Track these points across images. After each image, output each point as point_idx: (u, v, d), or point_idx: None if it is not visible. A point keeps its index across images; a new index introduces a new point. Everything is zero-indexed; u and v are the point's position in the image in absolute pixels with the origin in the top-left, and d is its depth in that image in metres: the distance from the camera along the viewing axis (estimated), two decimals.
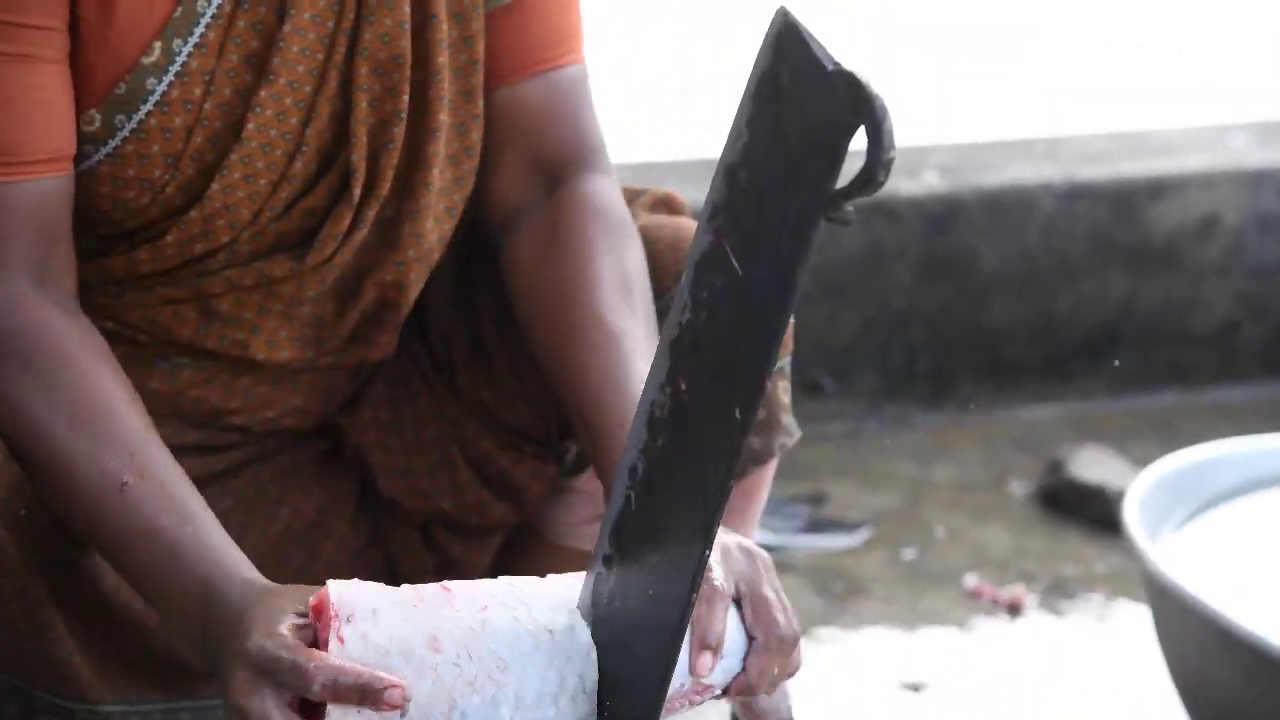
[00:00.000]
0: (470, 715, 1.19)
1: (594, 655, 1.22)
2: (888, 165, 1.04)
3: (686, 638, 1.23)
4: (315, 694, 1.17)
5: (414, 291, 1.54)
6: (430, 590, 1.23)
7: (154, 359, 1.50)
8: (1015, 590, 2.58)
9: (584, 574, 1.26)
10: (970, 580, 2.61)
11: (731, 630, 1.27)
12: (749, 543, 1.32)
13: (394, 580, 1.64)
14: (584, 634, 1.23)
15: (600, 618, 1.22)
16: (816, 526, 2.71)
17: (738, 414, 1.11)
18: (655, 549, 1.18)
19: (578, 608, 1.23)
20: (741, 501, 1.70)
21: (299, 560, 1.61)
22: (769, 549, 2.66)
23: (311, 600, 1.21)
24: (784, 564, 2.60)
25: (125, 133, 1.39)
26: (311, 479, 1.63)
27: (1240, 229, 3.31)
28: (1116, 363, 3.21)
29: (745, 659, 1.27)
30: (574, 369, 1.43)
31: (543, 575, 1.68)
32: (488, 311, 1.60)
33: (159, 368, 1.49)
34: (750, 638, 1.28)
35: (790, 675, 1.32)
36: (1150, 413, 3.25)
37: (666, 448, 1.17)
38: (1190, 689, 2.15)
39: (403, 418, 1.63)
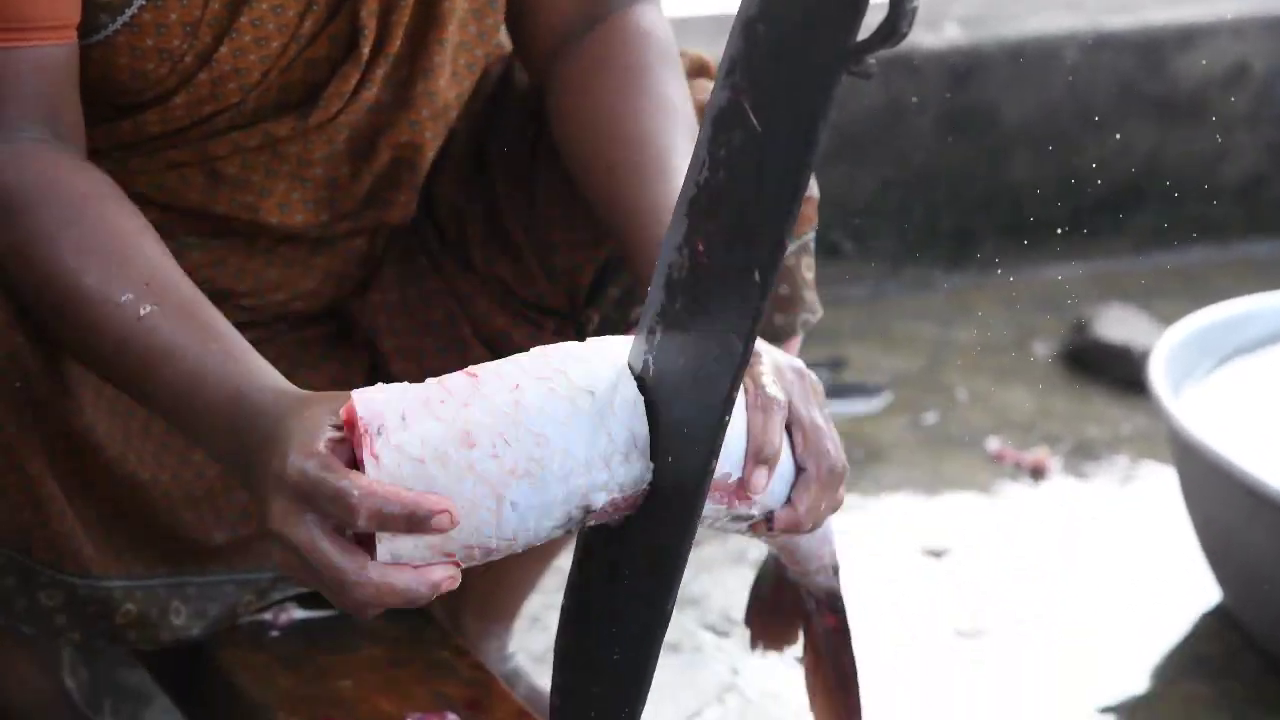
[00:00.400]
0: (521, 503, 1.15)
1: (642, 407, 1.17)
2: (911, 16, 1.01)
3: (738, 452, 1.18)
4: (361, 526, 1.13)
5: (430, 151, 1.52)
6: (455, 380, 1.18)
7: (162, 238, 1.47)
8: (1038, 453, 2.56)
9: (629, 337, 1.21)
10: (993, 444, 2.59)
11: (782, 456, 1.22)
12: (800, 363, 1.27)
13: None
14: (629, 388, 1.17)
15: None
16: (836, 391, 2.68)
17: (757, 276, 1.09)
18: (673, 413, 1.16)
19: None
20: None
21: None
22: None
23: (341, 413, 1.17)
24: None
25: (142, 0, 1.35)
26: (321, 354, 1.62)
27: (1270, 78, 3.25)
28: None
29: (793, 490, 1.23)
30: (619, 196, 1.39)
31: None
32: (504, 186, 1.57)
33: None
34: (799, 468, 1.24)
35: (835, 510, 1.27)
36: (1176, 269, 3.22)
37: (684, 310, 1.14)
38: (1216, 550, 2.14)
39: (411, 299, 1.61)
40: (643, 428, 1.17)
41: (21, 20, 1.31)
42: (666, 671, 1.98)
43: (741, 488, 1.21)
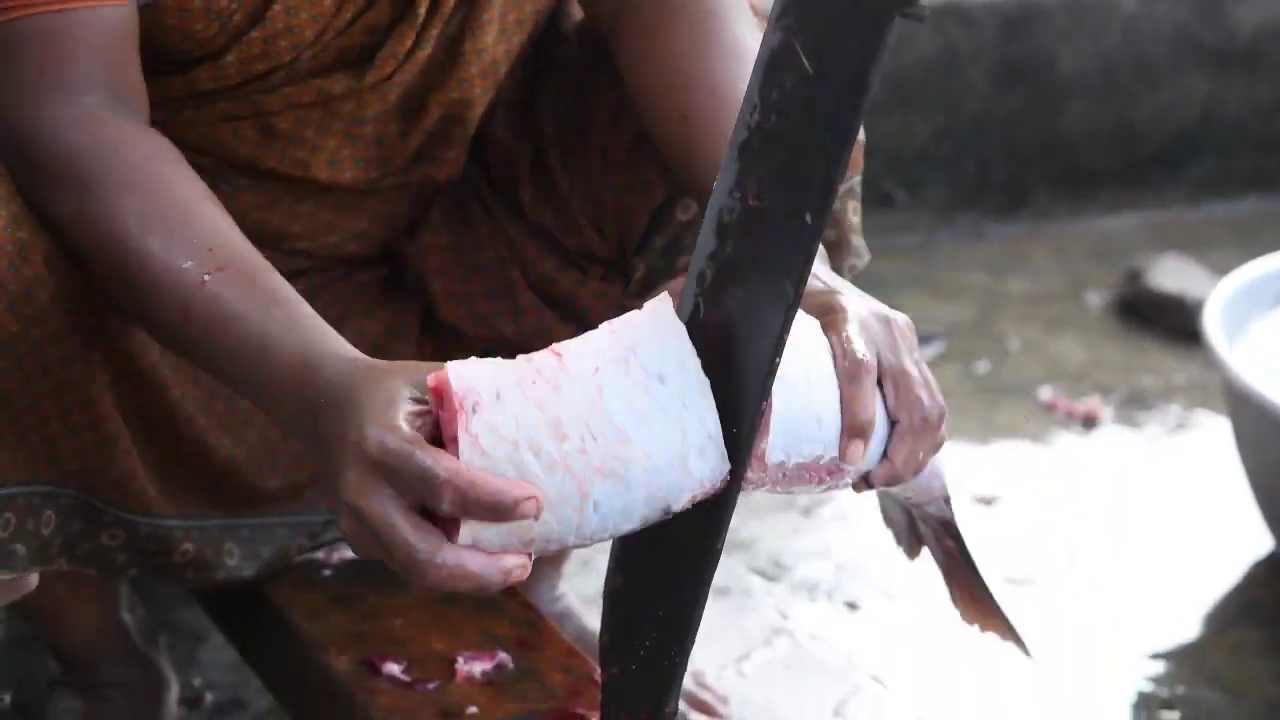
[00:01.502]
0: (604, 504, 1.11)
1: (709, 392, 1.13)
2: None
3: (832, 432, 1.16)
4: (444, 510, 1.09)
5: (480, 107, 1.52)
6: (543, 360, 1.13)
7: (215, 181, 1.48)
8: (1090, 402, 2.56)
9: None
10: (1045, 393, 2.58)
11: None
12: (885, 309, 1.23)
13: None
14: (694, 368, 1.13)
15: None
16: None
17: (808, 219, 1.09)
18: (723, 358, 1.16)
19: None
20: None
21: None
22: None
23: (430, 383, 1.11)
24: None
25: None
26: (375, 301, 1.62)
27: None
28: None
29: (888, 444, 1.19)
30: (693, 144, 1.37)
31: None
32: (550, 131, 1.58)
33: (220, 190, 1.46)
34: (893, 421, 1.19)
35: (936, 451, 1.22)
36: (1231, 220, 3.19)
37: (735, 254, 1.14)
38: (1270, 499, 2.14)
39: (461, 242, 1.62)
40: (713, 417, 1.13)
41: None
42: (715, 614, 2.00)
43: (837, 464, 1.17)
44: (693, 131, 1.38)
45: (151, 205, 1.28)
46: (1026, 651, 1.49)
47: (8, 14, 1.30)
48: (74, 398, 1.36)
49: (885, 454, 1.20)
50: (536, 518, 1.10)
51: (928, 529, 1.40)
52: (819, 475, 1.18)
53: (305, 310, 1.23)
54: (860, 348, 1.18)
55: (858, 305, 1.22)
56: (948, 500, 1.38)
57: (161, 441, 1.44)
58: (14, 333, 1.30)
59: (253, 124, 1.46)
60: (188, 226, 1.27)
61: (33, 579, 1.41)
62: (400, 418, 1.10)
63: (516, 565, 1.11)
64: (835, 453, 1.17)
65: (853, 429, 1.17)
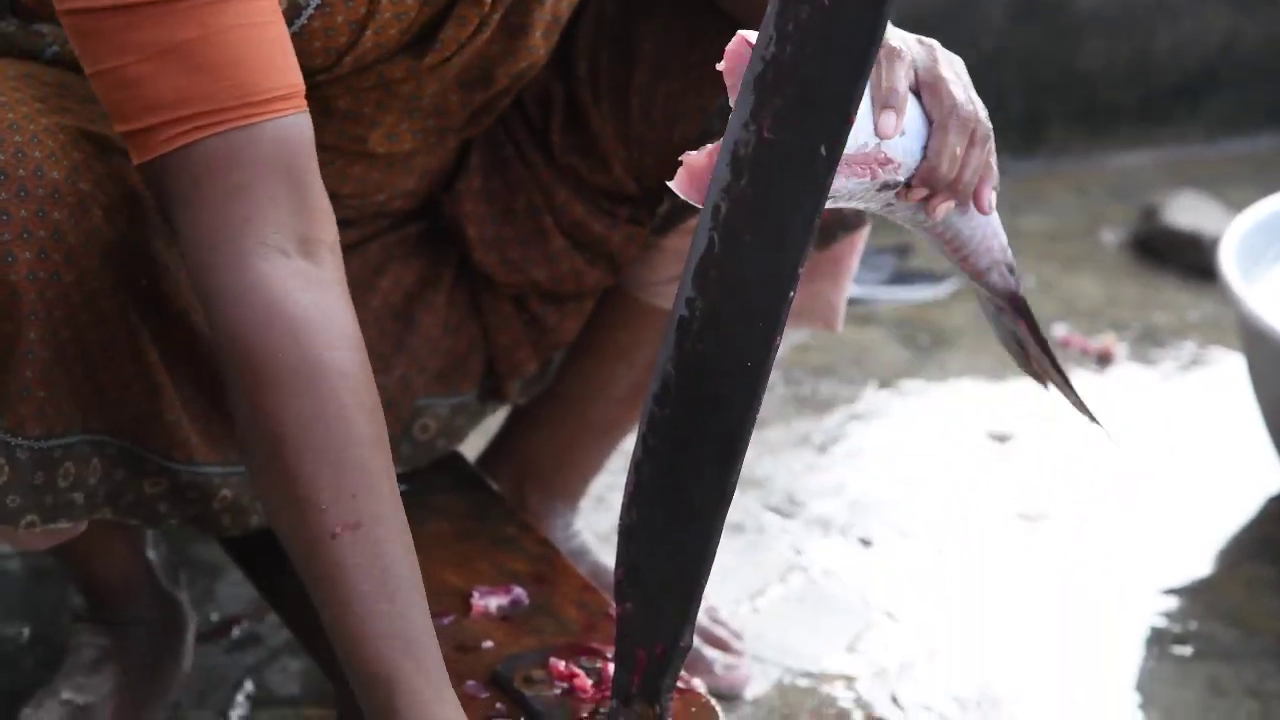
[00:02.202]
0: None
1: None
2: None
3: (869, 121, 1.19)
4: None
5: (545, 60, 1.51)
6: None
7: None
8: (1105, 340, 2.55)
9: None
10: (1060, 330, 2.58)
11: (912, 116, 1.22)
12: (928, 40, 1.26)
13: (490, 351, 1.65)
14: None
15: (684, 356, 1.20)
16: (902, 278, 2.67)
17: (823, 151, 1.09)
18: (738, 289, 1.16)
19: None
20: (831, 267, 1.68)
21: (396, 333, 1.61)
22: (853, 301, 2.65)
23: None
24: (869, 315, 2.58)
25: (311, 9, 1.35)
26: (412, 250, 1.63)
27: None
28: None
29: (926, 145, 1.23)
30: None
31: (630, 336, 1.67)
32: (584, 69, 1.57)
33: None
34: (930, 120, 1.24)
35: (982, 168, 1.25)
36: (1248, 156, 3.18)
37: (751, 186, 1.14)
38: None
39: (494, 187, 1.62)
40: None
41: (254, 91, 1.23)
42: (729, 552, 2.01)
43: (881, 150, 1.21)
44: None
45: (314, 412, 1.23)
46: (1097, 422, 1.47)
47: (188, 137, 1.23)
48: (124, 349, 1.37)
49: (925, 155, 1.23)
50: None
51: (996, 309, 1.40)
52: (870, 168, 1.21)
53: (413, 617, 1.23)
54: (896, 42, 1.21)
55: (898, 34, 1.24)
56: (1012, 269, 1.38)
57: (207, 390, 1.45)
58: (69, 283, 1.31)
59: (311, 102, 1.45)
60: (340, 457, 1.23)
61: (81, 526, 1.42)
62: None
63: None
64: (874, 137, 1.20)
65: (881, 100, 1.20)
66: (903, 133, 1.21)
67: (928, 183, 1.24)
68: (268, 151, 1.24)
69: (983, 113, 1.24)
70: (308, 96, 1.41)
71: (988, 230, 1.35)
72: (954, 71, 1.24)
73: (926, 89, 1.23)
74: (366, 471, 1.25)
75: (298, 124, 1.26)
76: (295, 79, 1.26)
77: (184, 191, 1.24)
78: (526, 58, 1.49)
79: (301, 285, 1.25)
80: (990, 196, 1.27)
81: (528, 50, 1.49)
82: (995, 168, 1.28)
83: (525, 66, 1.50)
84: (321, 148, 1.40)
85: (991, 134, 1.25)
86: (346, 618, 1.23)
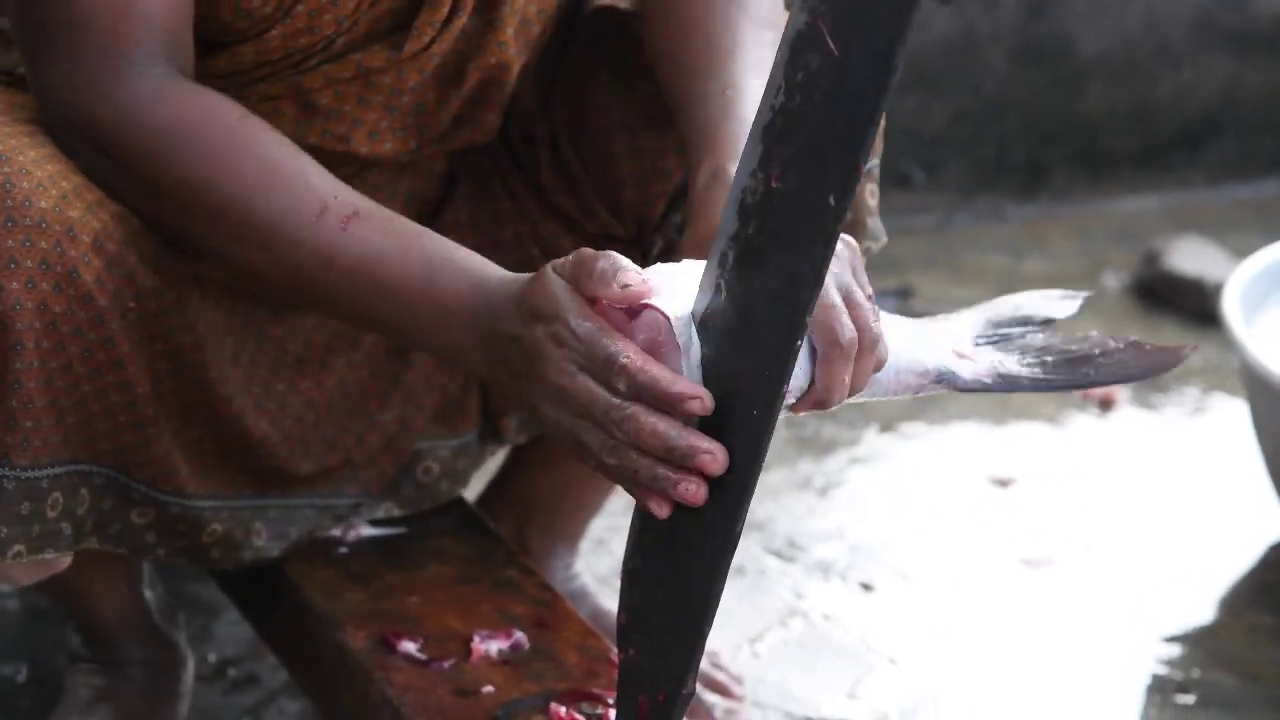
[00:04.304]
0: None
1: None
2: None
3: None
4: (620, 390, 1.16)
5: (516, 67, 1.52)
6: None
7: None
8: (1108, 385, 2.55)
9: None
10: None
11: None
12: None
13: (484, 386, 1.65)
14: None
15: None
16: None
17: (832, 200, 1.09)
18: (744, 339, 1.16)
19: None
20: None
21: (390, 372, 1.61)
22: None
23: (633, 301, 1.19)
24: None
25: None
26: None
27: None
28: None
29: (813, 371, 1.21)
30: (685, 92, 1.40)
31: None
32: (564, 116, 1.58)
33: None
34: (813, 348, 1.21)
35: (875, 370, 1.24)
36: (1250, 202, 3.18)
37: (758, 235, 1.14)
38: None
39: (481, 219, 1.62)
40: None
41: None
42: (730, 595, 1.97)
43: None
44: (689, 83, 1.39)
45: (264, 165, 1.31)
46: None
47: None
48: (112, 379, 1.37)
49: (812, 380, 1.21)
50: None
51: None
52: None
53: (448, 242, 1.31)
54: None
55: None
56: (937, 373, 1.33)
57: (197, 421, 1.45)
58: (58, 313, 1.31)
59: (293, 102, 1.46)
60: (306, 178, 1.32)
61: (67, 558, 1.42)
62: (581, 309, 1.18)
63: (706, 447, 1.16)
64: None
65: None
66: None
67: (810, 409, 1.23)
68: (148, 7, 1.32)
69: (869, 327, 1.21)
70: (289, 95, 1.43)
71: (894, 375, 1.31)
72: (843, 288, 1.20)
73: (814, 316, 1.20)
74: (324, 175, 1.33)
75: None
76: None
77: (70, 36, 1.31)
78: (496, 54, 1.49)
79: (187, 84, 1.34)
80: (882, 351, 1.25)
81: (498, 46, 1.49)
82: (884, 347, 1.25)
83: (496, 64, 1.49)
84: (307, 150, 1.41)
85: (879, 338, 1.22)
86: (406, 274, 1.29)
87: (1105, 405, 2.52)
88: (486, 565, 1.63)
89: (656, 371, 1.16)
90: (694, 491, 1.17)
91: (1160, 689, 1.94)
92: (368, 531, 1.65)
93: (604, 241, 1.59)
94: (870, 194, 1.60)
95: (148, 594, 1.69)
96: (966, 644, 1.99)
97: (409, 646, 1.50)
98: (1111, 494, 2.31)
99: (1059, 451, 2.41)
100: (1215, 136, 3.21)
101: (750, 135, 1.14)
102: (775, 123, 1.12)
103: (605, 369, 1.17)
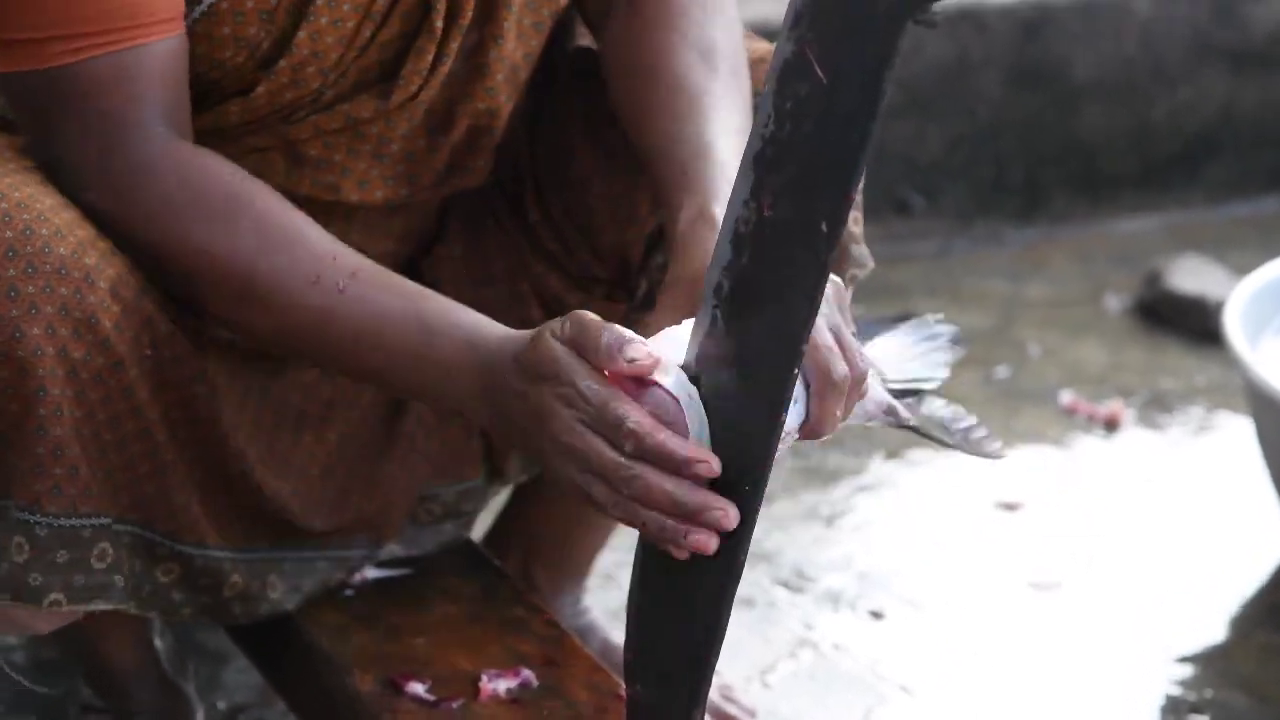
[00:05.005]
0: None
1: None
2: None
3: None
4: (625, 451, 1.18)
5: (506, 113, 1.53)
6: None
7: None
8: (1112, 405, 2.55)
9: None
10: (1065, 397, 2.57)
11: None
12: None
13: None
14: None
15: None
16: None
17: (824, 227, 1.09)
18: (743, 368, 1.16)
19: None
20: None
21: (389, 422, 1.61)
22: None
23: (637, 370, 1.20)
24: None
25: None
26: None
27: None
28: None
29: (809, 404, 1.24)
30: (655, 137, 1.41)
31: None
32: (544, 158, 1.59)
33: None
34: (807, 384, 1.24)
35: (858, 401, 1.28)
36: (1250, 220, 3.18)
37: (752, 264, 1.15)
38: None
39: (473, 253, 1.62)
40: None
41: (142, 15, 1.32)
42: (739, 626, 2.00)
43: None
44: (655, 123, 1.42)
45: (263, 226, 1.34)
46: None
47: (80, 54, 1.31)
48: (132, 426, 1.37)
49: (808, 413, 1.24)
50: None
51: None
52: None
53: (446, 300, 1.32)
54: None
55: None
56: (889, 408, 1.38)
57: (212, 473, 1.45)
58: (77, 359, 1.31)
59: (281, 153, 1.47)
60: (304, 241, 1.34)
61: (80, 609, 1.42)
62: (589, 371, 1.20)
63: (717, 505, 1.18)
64: None
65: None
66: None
67: (810, 437, 1.25)
68: (154, 68, 1.33)
69: (858, 364, 1.24)
70: (277, 147, 1.43)
71: (865, 405, 1.34)
72: (832, 327, 1.24)
73: (809, 355, 1.23)
74: (322, 237, 1.35)
75: (179, 45, 1.35)
76: (180, 3, 1.35)
77: (73, 104, 1.32)
78: (485, 100, 1.49)
79: (181, 146, 1.36)
80: (866, 384, 1.28)
81: (486, 92, 1.49)
82: (868, 381, 1.28)
83: (484, 109, 1.50)
84: (297, 200, 1.42)
85: (866, 373, 1.26)
86: (405, 335, 1.31)
87: (1110, 426, 2.52)
88: (493, 604, 1.63)
89: (664, 438, 1.18)
90: (704, 541, 1.18)
91: (1173, 710, 1.93)
92: (373, 573, 1.65)
93: (589, 283, 1.60)
94: (853, 221, 1.60)
95: (158, 643, 1.68)
96: (978, 670, 1.99)
97: (417, 688, 1.50)
98: (1118, 515, 2.31)
99: (1065, 473, 2.41)
100: (1213, 155, 3.21)
101: (741, 164, 1.15)
102: (766, 152, 1.13)
103: (614, 431, 1.19)
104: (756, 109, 1.15)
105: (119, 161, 1.33)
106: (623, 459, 1.18)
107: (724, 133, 1.37)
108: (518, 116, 1.57)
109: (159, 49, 1.33)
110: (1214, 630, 2.08)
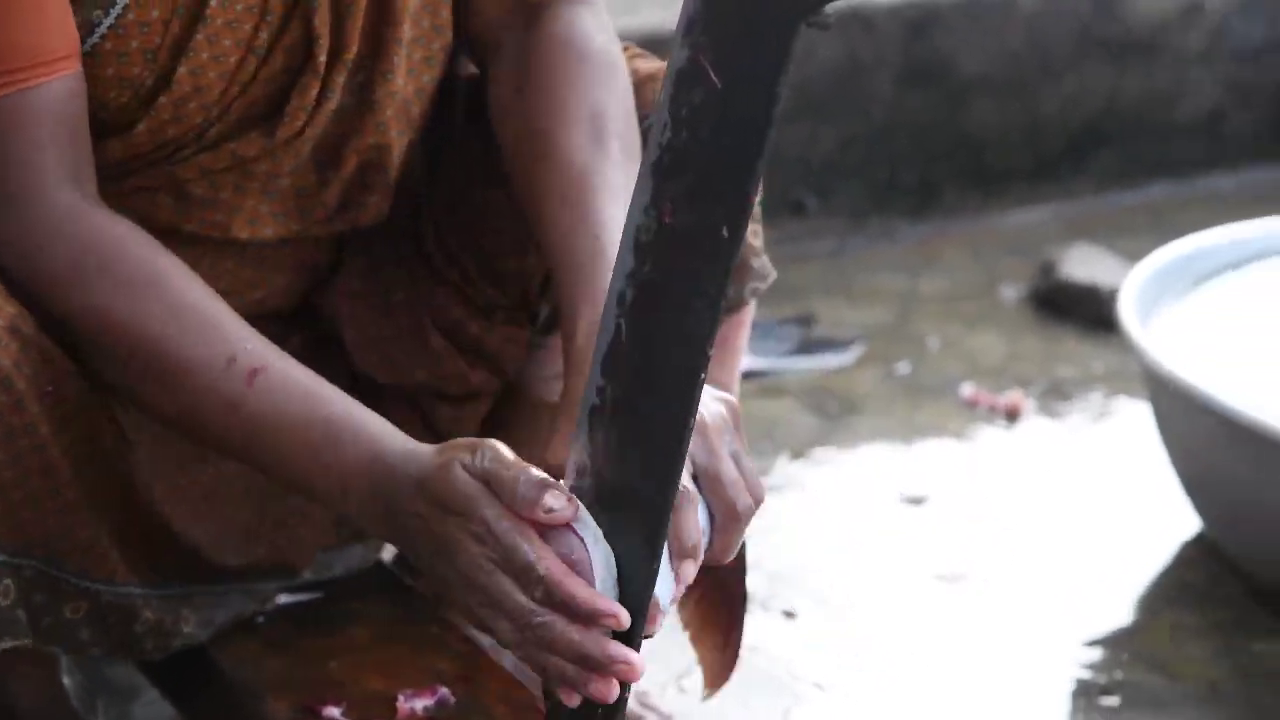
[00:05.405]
0: None
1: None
2: None
3: (666, 588, 1.22)
4: (534, 597, 1.17)
5: (398, 150, 1.51)
6: None
7: None
8: (1012, 396, 2.57)
9: None
10: (966, 389, 2.60)
11: (700, 514, 1.25)
12: (720, 396, 1.29)
13: None
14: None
15: (598, 445, 1.20)
16: (807, 347, 2.69)
17: (725, 233, 1.09)
18: (647, 378, 1.16)
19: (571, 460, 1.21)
20: (718, 352, 1.67)
21: None
22: (761, 374, 2.63)
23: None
24: (777, 387, 2.59)
25: (103, 29, 1.35)
26: (303, 363, 1.61)
27: (1223, 13, 3.26)
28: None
29: (709, 536, 1.26)
30: (542, 213, 1.40)
31: (524, 433, 1.66)
32: (443, 190, 1.58)
33: None
34: (711, 515, 1.27)
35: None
36: (1139, 207, 3.23)
37: (654, 271, 1.14)
38: (1193, 479, 2.16)
39: (372, 286, 1.61)
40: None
41: (38, 55, 1.29)
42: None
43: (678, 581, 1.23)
44: (542, 200, 1.40)
45: (174, 306, 1.30)
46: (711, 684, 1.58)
47: None
48: (35, 463, 1.34)
49: (710, 541, 1.26)
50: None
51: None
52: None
53: (354, 404, 1.29)
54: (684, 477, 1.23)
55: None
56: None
57: (121, 509, 1.43)
58: None
59: (168, 193, 1.44)
60: (216, 326, 1.31)
61: None
62: (499, 509, 1.18)
63: (623, 658, 1.18)
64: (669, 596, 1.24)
65: (681, 551, 1.22)
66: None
67: (712, 564, 1.27)
68: (52, 110, 1.31)
69: (758, 492, 1.26)
70: (163, 186, 1.43)
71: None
72: (731, 453, 1.25)
73: (706, 486, 1.25)
74: (234, 321, 1.32)
75: (77, 83, 1.32)
76: (74, 39, 1.32)
77: None
78: (375, 135, 1.48)
79: (88, 208, 1.32)
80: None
81: (376, 127, 1.48)
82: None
83: (374, 145, 1.48)
84: (187, 241, 1.40)
85: (764, 495, 1.28)
86: (307, 440, 1.27)
87: (1011, 416, 2.55)
88: (406, 624, 1.62)
89: (574, 588, 1.17)
90: (605, 691, 1.19)
91: (1085, 693, 1.95)
92: (284, 599, 1.63)
93: (490, 309, 1.59)
94: (753, 234, 1.60)
95: (66, 680, 1.66)
96: (891, 664, 2.00)
97: (333, 712, 1.49)
98: (1023, 503, 2.33)
99: (968, 465, 2.43)
100: (1100, 145, 3.25)
101: (640, 172, 1.14)
102: (663, 160, 1.13)
103: (524, 575, 1.18)
104: (652, 118, 1.14)
105: (23, 221, 1.30)
106: (532, 604, 1.18)
107: (615, 222, 1.34)
108: (414, 151, 1.56)
109: (59, 88, 1.30)
110: (1122, 612, 2.10)
